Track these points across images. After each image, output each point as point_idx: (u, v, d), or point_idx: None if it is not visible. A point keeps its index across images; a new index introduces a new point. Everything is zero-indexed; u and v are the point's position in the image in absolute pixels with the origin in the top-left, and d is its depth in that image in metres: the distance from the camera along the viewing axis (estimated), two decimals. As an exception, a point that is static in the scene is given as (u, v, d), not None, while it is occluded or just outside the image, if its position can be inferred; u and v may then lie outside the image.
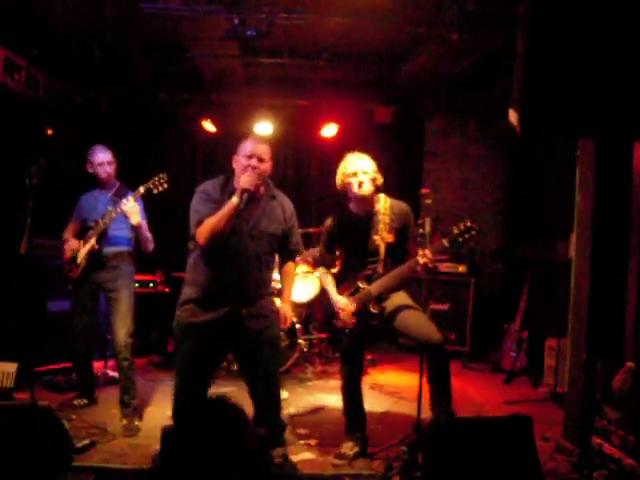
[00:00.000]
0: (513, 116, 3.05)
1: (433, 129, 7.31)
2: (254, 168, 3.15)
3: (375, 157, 3.73)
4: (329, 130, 6.89)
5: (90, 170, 4.32)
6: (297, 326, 5.68)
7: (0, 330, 4.63)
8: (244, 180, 3.10)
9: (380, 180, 3.64)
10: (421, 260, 3.34)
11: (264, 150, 3.24)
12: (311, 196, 7.34)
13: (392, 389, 5.35)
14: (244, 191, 3.08)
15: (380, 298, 3.57)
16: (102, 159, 4.27)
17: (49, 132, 6.69)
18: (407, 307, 3.57)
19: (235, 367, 5.26)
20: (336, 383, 5.48)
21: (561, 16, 2.89)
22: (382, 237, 3.57)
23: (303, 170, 7.25)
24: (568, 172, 5.44)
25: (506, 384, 5.71)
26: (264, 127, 6.67)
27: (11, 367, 4.08)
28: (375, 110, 6.82)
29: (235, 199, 3.07)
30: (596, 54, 2.84)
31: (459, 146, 7.29)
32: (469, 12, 4.27)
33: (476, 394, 5.30)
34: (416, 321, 3.49)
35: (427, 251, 3.34)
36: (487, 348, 6.45)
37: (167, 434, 2.73)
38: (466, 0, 4.22)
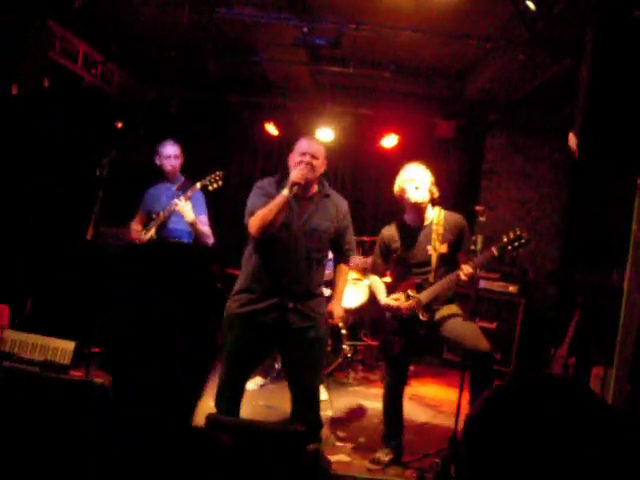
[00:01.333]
0: (572, 140, 3.07)
1: (494, 146, 7.26)
2: (306, 163, 3.28)
3: (433, 170, 3.79)
4: (389, 140, 6.94)
5: (157, 162, 4.50)
6: (343, 331, 5.75)
7: (63, 310, 4.88)
8: (294, 174, 3.23)
9: (436, 193, 3.70)
10: (462, 275, 3.43)
11: (317, 149, 3.36)
12: (367, 205, 7.41)
13: (432, 402, 5.37)
14: (294, 184, 3.19)
15: (429, 307, 3.63)
16: (169, 152, 4.45)
17: (119, 125, 7.02)
18: (457, 316, 3.63)
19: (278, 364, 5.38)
20: (376, 390, 5.57)
21: (625, 46, 2.91)
22: (435, 247, 3.63)
23: (361, 178, 7.33)
24: (631, 200, 5.35)
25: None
26: (325, 133, 6.77)
27: (69, 345, 4.30)
28: (437, 123, 6.83)
29: (285, 191, 3.19)
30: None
31: (520, 165, 7.22)
32: (537, 31, 4.26)
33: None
34: (464, 329, 3.54)
35: (466, 266, 3.42)
36: (532, 371, 6.36)
37: (211, 421, 2.87)
38: (536, 19, 4.20)
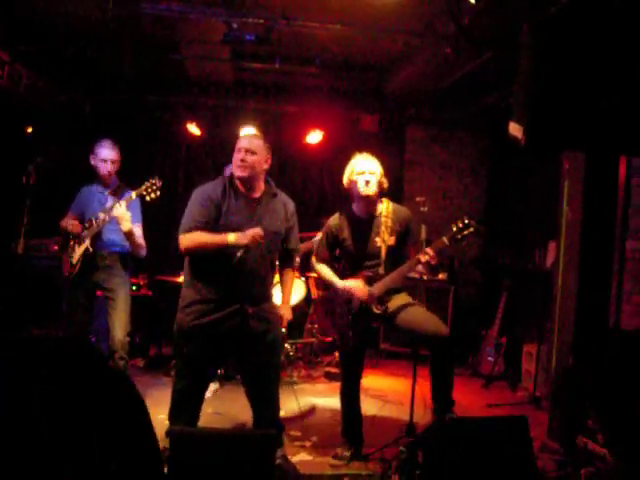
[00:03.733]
0: (515, 129, 3.20)
1: (415, 139, 7.46)
2: (242, 160, 3.20)
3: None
4: (314, 136, 6.96)
5: (92, 162, 4.24)
6: (282, 330, 5.70)
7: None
8: (243, 237, 3.08)
9: (386, 184, 3.72)
10: (423, 258, 3.41)
11: (257, 144, 3.28)
12: (295, 201, 7.36)
13: (377, 393, 5.43)
14: (244, 246, 3.07)
15: (382, 299, 3.65)
16: (106, 155, 4.20)
17: (28, 130, 6.61)
18: (410, 305, 3.65)
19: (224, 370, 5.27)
20: (322, 386, 5.60)
21: (561, 40, 3.08)
22: (384, 239, 3.64)
23: (287, 175, 7.30)
24: (547, 184, 5.67)
25: (485, 388, 5.86)
26: (250, 131, 6.68)
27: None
28: (360, 118, 6.93)
29: (231, 239, 3.08)
30: (590, 77, 3.03)
31: (440, 156, 7.47)
32: (464, 27, 4.39)
33: (458, 397, 5.37)
34: (422, 316, 3.58)
35: (429, 249, 3.43)
36: (466, 353, 6.61)
37: (175, 435, 2.76)
38: (462, 15, 4.33)
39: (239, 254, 3.07)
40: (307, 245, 5.31)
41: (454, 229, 3.47)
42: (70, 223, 4.18)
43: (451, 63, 5.15)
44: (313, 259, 3.93)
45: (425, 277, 3.92)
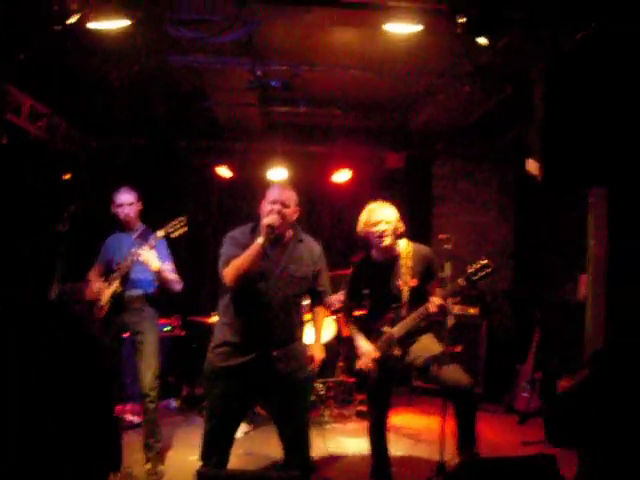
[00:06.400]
0: (532, 165, 3.23)
1: (442, 174, 7.50)
2: (277, 212, 3.27)
3: (387, 201, 3.86)
4: (341, 176, 7.06)
5: (113, 211, 4.39)
6: (312, 370, 5.72)
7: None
8: (267, 218, 3.22)
9: (402, 228, 3.77)
10: (431, 308, 3.51)
11: (288, 196, 3.36)
12: (323, 240, 7.44)
13: (409, 431, 5.38)
14: (268, 227, 3.17)
15: (402, 341, 3.66)
16: (122, 200, 4.33)
17: (66, 177, 6.87)
18: (436, 352, 3.65)
19: (259, 410, 5.29)
20: (353, 425, 5.56)
21: (574, 77, 3.11)
22: (405, 282, 3.68)
23: (315, 214, 7.39)
24: (575, 217, 5.63)
25: (520, 425, 5.74)
26: (279, 173, 6.82)
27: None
28: (386, 155, 7.01)
29: (260, 239, 3.17)
30: (608, 112, 3.05)
31: (468, 191, 7.48)
32: (482, 64, 4.47)
33: (492, 435, 5.32)
34: (446, 366, 3.57)
35: (434, 299, 3.51)
36: (500, 389, 6.49)
37: (203, 477, 2.80)
38: (479, 54, 4.41)
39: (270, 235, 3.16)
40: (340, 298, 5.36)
41: (470, 270, 3.51)
42: (95, 285, 4.32)
43: (472, 100, 5.21)
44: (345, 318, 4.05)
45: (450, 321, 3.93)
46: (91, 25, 3.62)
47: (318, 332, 3.68)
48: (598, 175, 3.25)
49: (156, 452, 4.19)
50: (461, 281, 3.50)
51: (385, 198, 3.92)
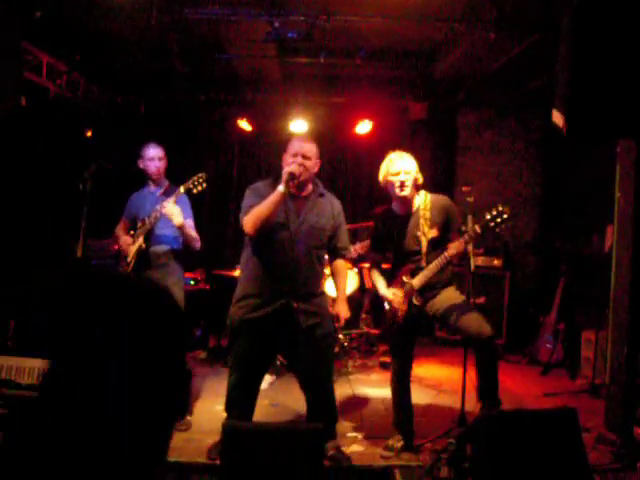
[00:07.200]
0: (558, 117, 3.12)
1: (466, 124, 7.35)
2: (299, 165, 3.28)
3: (409, 152, 3.80)
4: (363, 127, 6.96)
5: (141, 165, 4.36)
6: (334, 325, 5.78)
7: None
8: (288, 167, 3.24)
9: (421, 179, 3.73)
10: (449, 252, 3.49)
11: (309, 149, 3.37)
12: (344, 192, 7.43)
13: (432, 382, 5.44)
14: (289, 175, 3.19)
15: (422, 292, 3.68)
16: (153, 154, 4.32)
17: (88, 134, 6.90)
18: (457, 301, 3.66)
19: (281, 361, 5.39)
20: (376, 377, 5.64)
21: (604, 22, 2.97)
22: (424, 233, 3.66)
23: (337, 166, 7.34)
24: (604, 166, 5.48)
25: (543, 376, 5.77)
26: (299, 125, 6.76)
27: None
28: (409, 106, 6.88)
29: (281, 187, 3.19)
30: (634, 60, 2.92)
31: (493, 141, 7.33)
32: (506, 12, 4.31)
33: (514, 386, 5.37)
34: (467, 315, 3.57)
35: (452, 245, 3.50)
36: (523, 340, 6.51)
37: (228, 430, 2.88)
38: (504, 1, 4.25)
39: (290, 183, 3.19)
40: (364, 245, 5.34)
41: (487, 217, 3.45)
42: (122, 243, 4.35)
43: (497, 47, 5.05)
44: (369, 266, 4.04)
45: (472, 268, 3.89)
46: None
47: (341, 288, 3.70)
48: (627, 126, 3.13)
49: (184, 403, 4.30)
50: (477, 227, 3.45)
51: (408, 149, 3.87)
